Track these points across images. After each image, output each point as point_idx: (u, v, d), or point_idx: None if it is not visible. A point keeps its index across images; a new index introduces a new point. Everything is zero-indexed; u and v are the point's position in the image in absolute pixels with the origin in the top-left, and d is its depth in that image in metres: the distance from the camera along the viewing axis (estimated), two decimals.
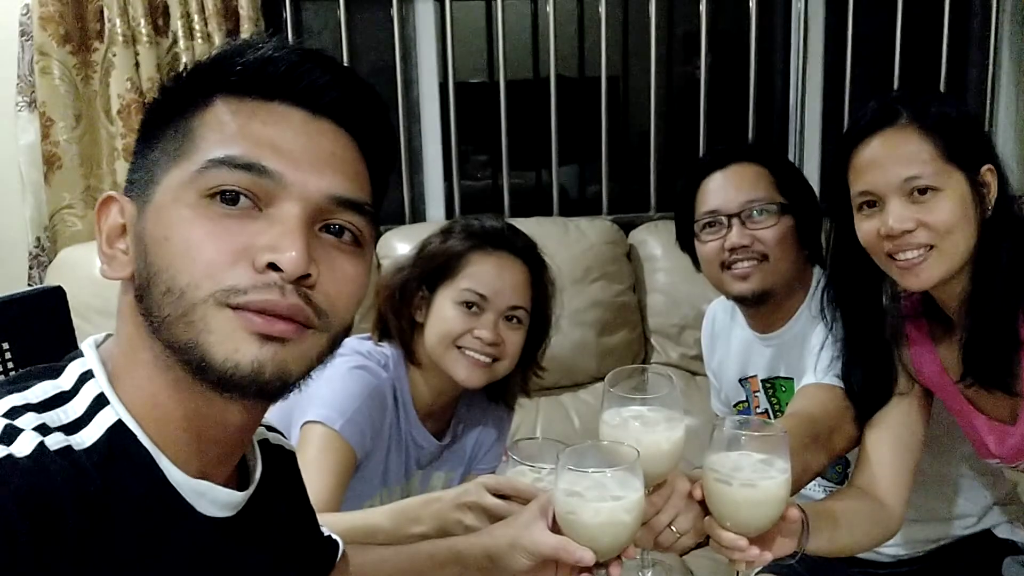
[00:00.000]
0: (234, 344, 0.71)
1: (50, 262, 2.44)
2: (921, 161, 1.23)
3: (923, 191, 1.23)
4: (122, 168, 2.41)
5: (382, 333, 1.59)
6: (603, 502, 0.97)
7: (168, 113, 0.77)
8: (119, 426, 0.71)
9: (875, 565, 1.62)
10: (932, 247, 1.23)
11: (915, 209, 1.23)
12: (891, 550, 1.59)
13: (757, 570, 1.65)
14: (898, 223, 1.22)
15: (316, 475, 1.32)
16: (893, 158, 1.24)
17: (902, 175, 1.23)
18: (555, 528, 1.01)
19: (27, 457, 0.63)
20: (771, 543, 1.08)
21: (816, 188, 1.78)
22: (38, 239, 2.47)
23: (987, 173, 1.26)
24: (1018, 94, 2.90)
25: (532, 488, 1.13)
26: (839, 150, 1.33)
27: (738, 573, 1.12)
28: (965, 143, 1.25)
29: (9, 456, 0.63)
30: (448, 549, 1.07)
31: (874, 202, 1.27)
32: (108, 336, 0.79)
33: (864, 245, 1.29)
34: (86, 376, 0.74)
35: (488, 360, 1.50)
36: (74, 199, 2.46)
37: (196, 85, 0.77)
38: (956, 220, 1.22)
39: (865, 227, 1.28)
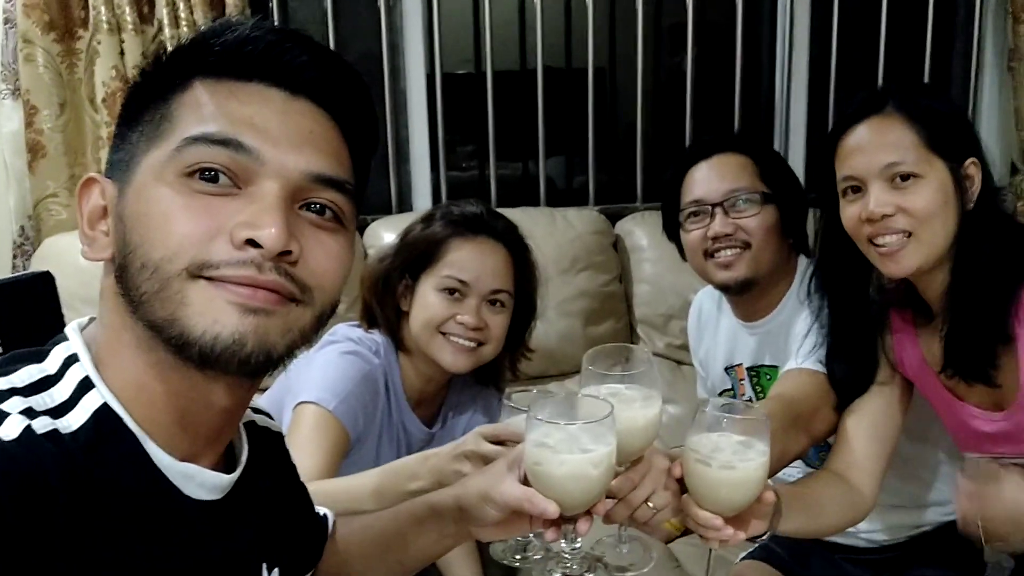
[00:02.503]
0: (213, 315, 0.71)
1: (34, 251, 2.42)
2: (904, 148, 1.25)
3: (905, 177, 1.25)
4: (107, 156, 2.39)
5: (370, 322, 1.59)
6: (570, 454, 0.96)
7: (148, 96, 0.77)
8: (105, 409, 0.71)
9: (856, 551, 1.63)
10: (910, 234, 1.24)
11: (896, 195, 1.24)
12: (872, 535, 1.61)
13: (742, 556, 1.68)
14: (878, 207, 1.24)
15: (309, 452, 1.33)
16: (877, 144, 1.26)
17: (884, 160, 1.25)
18: (526, 481, 1.00)
19: (14, 441, 0.63)
20: (746, 523, 1.09)
21: (801, 178, 1.79)
22: (22, 228, 2.45)
23: (971, 166, 1.28)
24: (1001, 86, 2.92)
25: None
26: (827, 137, 1.35)
27: (711, 551, 1.13)
28: (949, 134, 1.27)
29: None
30: (424, 503, 1.07)
31: (858, 187, 1.28)
32: (92, 319, 0.79)
33: (847, 230, 1.31)
34: (71, 360, 0.74)
35: (473, 345, 1.50)
36: (58, 187, 2.44)
37: (175, 67, 0.77)
38: (936, 208, 1.24)
39: (848, 212, 1.30)
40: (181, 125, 0.74)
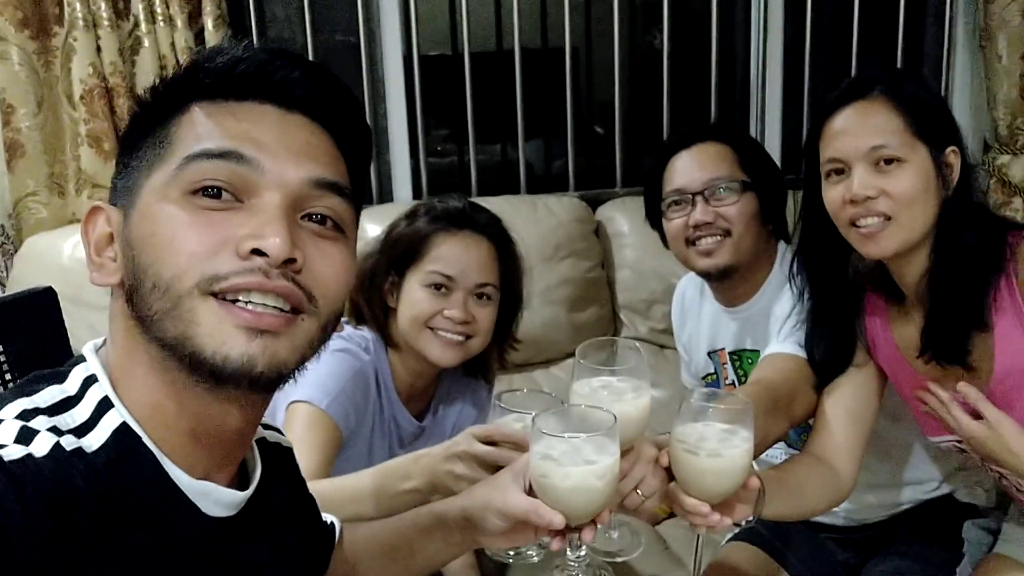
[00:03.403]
0: (221, 338, 0.73)
1: (15, 250, 2.42)
2: (889, 132, 1.28)
3: (888, 161, 1.28)
4: (86, 154, 2.39)
5: (358, 319, 1.61)
6: (575, 466, 0.98)
7: (147, 124, 0.79)
8: (124, 429, 0.73)
9: (837, 529, 1.68)
10: (890, 218, 1.27)
11: (879, 178, 1.27)
12: (852, 514, 1.65)
13: (728, 537, 1.72)
14: (862, 189, 1.27)
15: (303, 451, 1.34)
16: (863, 127, 1.29)
17: (870, 143, 1.28)
18: (531, 491, 1.02)
19: (46, 457, 0.66)
20: (731, 509, 1.13)
21: (777, 162, 1.82)
22: (2, 227, 2.45)
23: (951, 154, 1.31)
24: (973, 65, 2.95)
25: (521, 433, 1.15)
26: (813, 119, 1.38)
27: (699, 536, 1.17)
28: (933, 121, 1.30)
29: (30, 455, 0.65)
30: (430, 513, 1.09)
31: (842, 169, 1.31)
32: (107, 340, 0.81)
33: (829, 212, 1.34)
34: (90, 380, 0.76)
35: (461, 338, 1.52)
36: (38, 186, 2.43)
37: (172, 95, 0.79)
38: (917, 193, 1.27)
39: (831, 193, 1.32)
40: (181, 145, 0.76)
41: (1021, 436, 1.27)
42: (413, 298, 1.53)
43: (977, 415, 1.29)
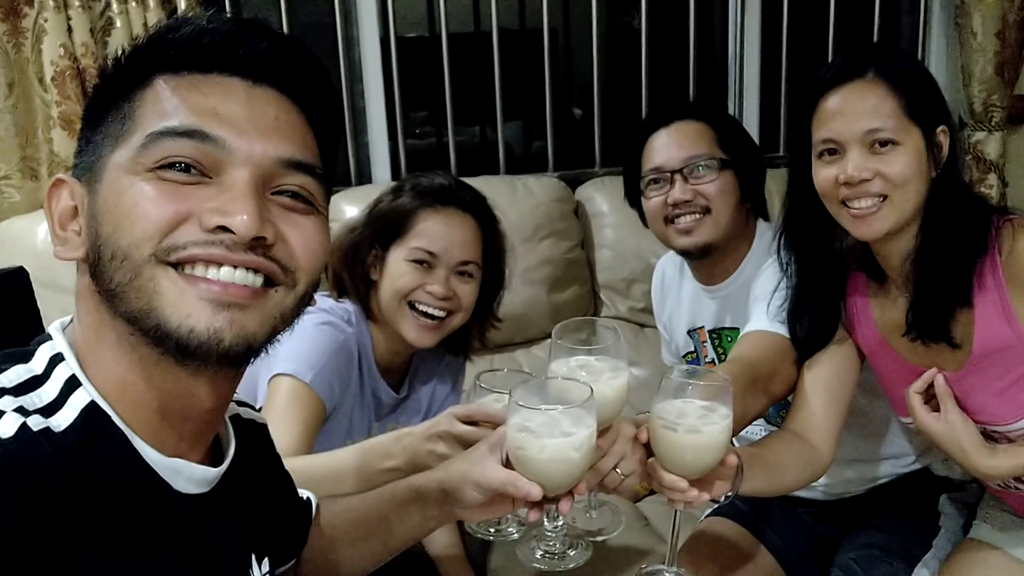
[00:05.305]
0: (185, 310, 0.72)
1: None
2: (884, 115, 1.28)
3: (883, 144, 1.28)
4: (59, 136, 2.35)
5: (340, 291, 1.61)
6: (552, 438, 0.98)
7: (110, 98, 0.77)
8: (92, 407, 0.72)
9: (815, 504, 1.69)
10: (885, 197, 1.28)
11: (874, 160, 1.28)
12: (831, 489, 1.67)
13: (707, 512, 1.73)
14: (857, 171, 1.27)
15: (286, 425, 1.34)
16: (858, 109, 1.29)
17: (865, 127, 1.28)
18: (508, 464, 1.02)
19: (11, 439, 0.65)
20: (709, 485, 1.13)
21: (755, 139, 1.82)
22: None
23: (941, 134, 1.31)
24: (948, 43, 2.97)
25: (501, 413, 1.15)
26: (805, 98, 1.37)
27: (676, 512, 1.18)
28: (925, 102, 1.30)
29: None
30: (407, 487, 1.09)
31: (835, 150, 1.31)
32: (73, 319, 0.80)
33: (820, 191, 1.34)
34: (56, 359, 0.75)
35: (442, 314, 1.53)
36: (11, 170, 2.39)
37: (135, 67, 0.77)
38: (911, 174, 1.28)
39: (823, 173, 1.32)
40: (144, 122, 0.75)
41: (976, 438, 1.30)
42: (396, 272, 1.54)
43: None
